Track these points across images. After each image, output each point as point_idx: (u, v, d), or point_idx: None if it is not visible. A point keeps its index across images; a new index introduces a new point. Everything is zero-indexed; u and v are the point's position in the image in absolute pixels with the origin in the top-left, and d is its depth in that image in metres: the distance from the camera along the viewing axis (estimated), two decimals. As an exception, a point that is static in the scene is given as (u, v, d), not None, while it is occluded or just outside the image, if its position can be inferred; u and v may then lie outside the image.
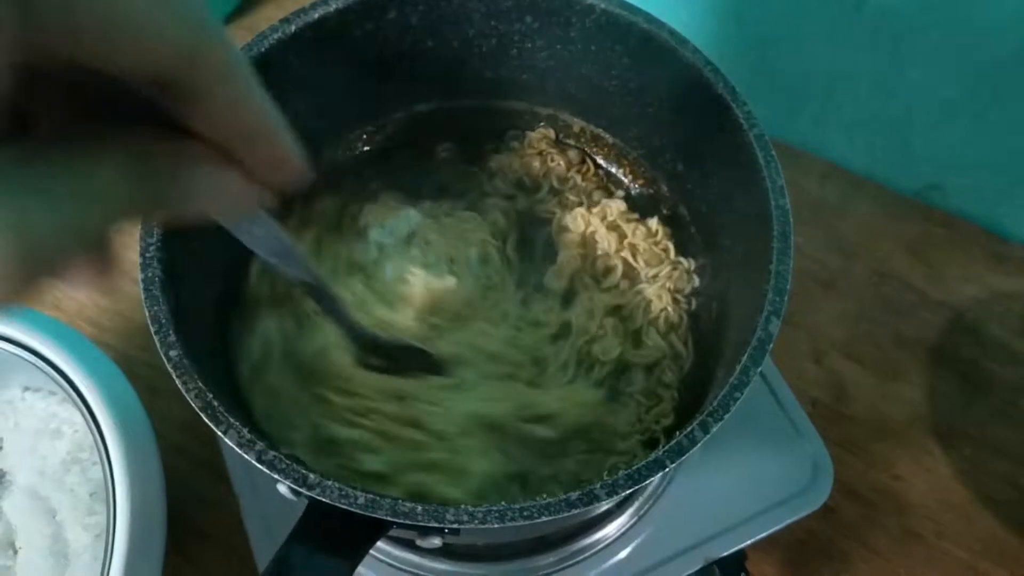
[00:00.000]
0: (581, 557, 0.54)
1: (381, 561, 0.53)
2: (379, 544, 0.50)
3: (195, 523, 0.59)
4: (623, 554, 0.54)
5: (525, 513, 0.34)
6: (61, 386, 0.51)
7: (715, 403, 0.37)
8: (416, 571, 0.53)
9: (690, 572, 0.53)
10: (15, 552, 0.55)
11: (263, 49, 0.45)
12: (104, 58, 0.18)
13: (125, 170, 0.20)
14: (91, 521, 0.54)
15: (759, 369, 0.37)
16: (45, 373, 0.52)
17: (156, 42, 0.19)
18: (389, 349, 0.46)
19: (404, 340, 0.48)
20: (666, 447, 0.36)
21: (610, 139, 0.57)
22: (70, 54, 0.18)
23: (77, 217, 0.19)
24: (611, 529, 0.54)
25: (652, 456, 0.36)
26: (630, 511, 0.54)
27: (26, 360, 0.52)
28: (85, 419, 0.50)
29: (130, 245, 0.70)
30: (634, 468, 0.35)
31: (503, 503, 0.34)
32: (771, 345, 0.38)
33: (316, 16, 0.46)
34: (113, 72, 0.19)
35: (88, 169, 0.19)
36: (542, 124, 0.59)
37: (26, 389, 0.60)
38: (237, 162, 0.23)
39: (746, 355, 0.38)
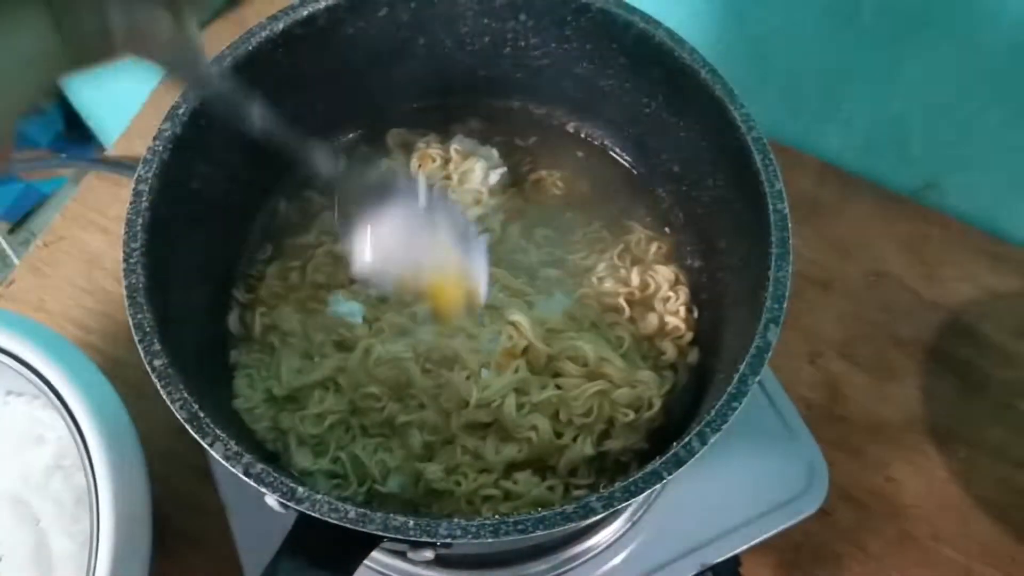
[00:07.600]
0: (574, 564, 0.53)
1: (371, 569, 0.52)
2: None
3: (185, 528, 0.58)
4: (616, 560, 0.53)
5: (520, 527, 0.33)
6: (44, 392, 0.50)
7: (713, 413, 0.36)
8: (407, 579, 0.52)
9: (684, 578, 0.52)
10: (-3, 560, 0.54)
11: (250, 48, 0.44)
12: None
13: None
14: (76, 529, 0.53)
15: (758, 378, 0.36)
16: (27, 379, 0.50)
17: None
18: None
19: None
20: (663, 459, 0.35)
21: (605, 139, 0.56)
22: None
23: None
24: (604, 535, 0.54)
25: (649, 468, 0.35)
26: (623, 517, 0.54)
27: (7, 365, 0.51)
28: (68, 426, 0.49)
29: (116, 244, 0.70)
30: (630, 480, 0.34)
31: (497, 517, 0.33)
32: (769, 354, 0.37)
33: (305, 14, 0.45)
34: None
35: None
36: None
37: (9, 393, 0.58)
38: None
39: (744, 363, 0.37)
